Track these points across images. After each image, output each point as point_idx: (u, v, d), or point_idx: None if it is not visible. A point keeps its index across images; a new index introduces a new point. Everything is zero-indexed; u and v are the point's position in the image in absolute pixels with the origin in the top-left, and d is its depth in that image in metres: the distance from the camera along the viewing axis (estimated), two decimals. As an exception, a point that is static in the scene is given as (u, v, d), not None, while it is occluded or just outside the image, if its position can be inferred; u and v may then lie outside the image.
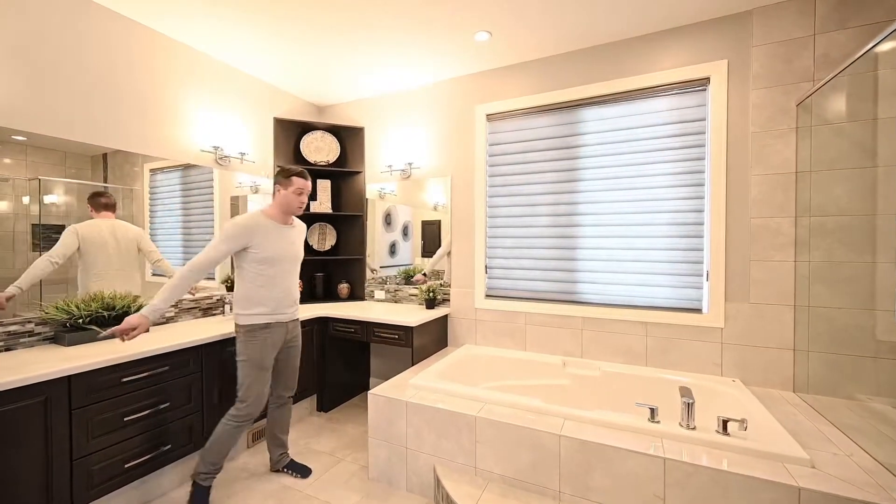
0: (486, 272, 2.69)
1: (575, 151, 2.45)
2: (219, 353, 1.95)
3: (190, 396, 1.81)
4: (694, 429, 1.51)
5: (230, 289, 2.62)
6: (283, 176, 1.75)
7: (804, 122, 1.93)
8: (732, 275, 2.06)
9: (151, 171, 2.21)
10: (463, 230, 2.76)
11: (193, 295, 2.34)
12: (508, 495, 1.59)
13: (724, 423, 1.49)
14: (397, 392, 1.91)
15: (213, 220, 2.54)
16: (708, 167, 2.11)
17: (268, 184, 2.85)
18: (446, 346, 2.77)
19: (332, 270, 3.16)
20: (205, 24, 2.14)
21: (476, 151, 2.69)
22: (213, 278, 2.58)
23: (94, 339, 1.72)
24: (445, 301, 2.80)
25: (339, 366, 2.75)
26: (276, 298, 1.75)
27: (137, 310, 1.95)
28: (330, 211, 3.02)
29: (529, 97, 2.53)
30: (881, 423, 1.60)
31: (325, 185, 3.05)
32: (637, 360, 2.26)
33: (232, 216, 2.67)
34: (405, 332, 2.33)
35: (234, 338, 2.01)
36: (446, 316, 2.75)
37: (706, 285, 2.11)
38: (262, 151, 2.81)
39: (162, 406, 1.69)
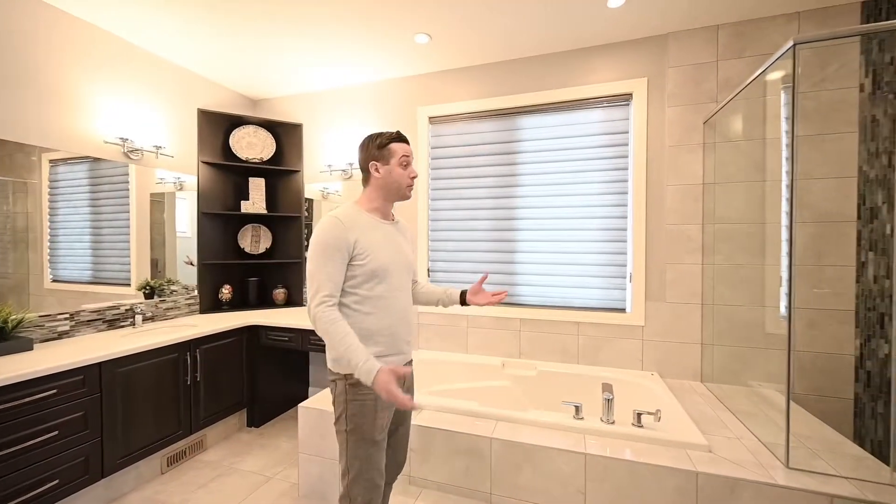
0: (429, 275, 2.68)
1: (514, 157, 2.52)
2: (125, 372, 1.74)
3: (86, 422, 1.60)
4: (613, 423, 1.62)
5: (149, 296, 2.36)
6: (376, 146, 1.20)
7: (710, 139, 2.15)
8: (651, 277, 2.24)
9: (52, 162, 1.95)
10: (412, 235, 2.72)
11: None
12: (442, 502, 1.59)
13: (639, 415, 1.61)
14: (330, 403, 1.83)
15: (128, 220, 2.28)
16: (631, 177, 2.27)
17: (192, 180, 2.61)
18: (388, 350, 2.71)
19: (266, 275, 2.97)
20: (115, 2, 1.90)
21: (419, 154, 2.67)
22: (129, 284, 2.31)
23: None
24: (388, 305, 2.74)
25: (272, 377, 2.60)
26: (392, 330, 1.18)
27: (17, 324, 1.69)
28: (264, 211, 2.84)
29: (471, 102, 2.56)
30: (767, 407, 1.82)
31: (258, 184, 2.86)
32: (571, 358, 2.38)
33: (152, 216, 2.41)
34: (343, 338, 2.24)
35: (148, 352, 1.84)
36: (388, 320, 2.70)
37: (629, 287, 2.28)
38: (183, 145, 2.56)
39: (47, 436, 1.47)
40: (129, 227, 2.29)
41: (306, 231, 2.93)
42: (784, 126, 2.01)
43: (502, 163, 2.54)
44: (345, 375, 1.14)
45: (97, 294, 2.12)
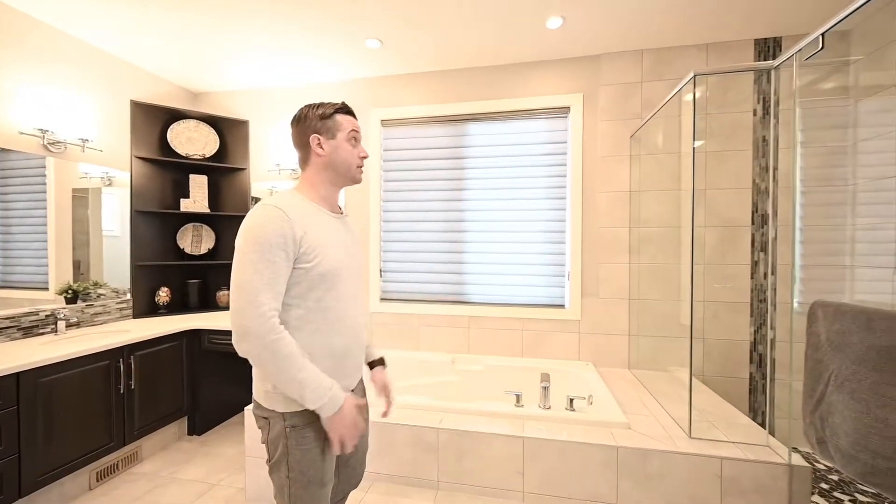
0: (381, 276, 2.72)
1: (463, 162, 2.63)
2: (47, 382, 1.61)
3: (0, 438, 1.47)
4: (549, 408, 1.77)
5: (71, 301, 2.17)
6: (318, 116, 0.99)
7: (635, 151, 2.40)
8: (587, 275, 2.46)
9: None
10: (359, 233, 2.74)
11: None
12: (392, 493, 1.65)
13: (571, 400, 1.78)
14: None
15: (44, 218, 2.08)
16: (569, 183, 2.47)
17: (124, 176, 2.43)
18: (341, 351, 2.72)
19: (209, 277, 2.84)
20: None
21: (372, 156, 2.70)
22: (47, 288, 2.11)
23: None
24: (340, 305, 2.74)
25: (215, 383, 2.49)
26: (344, 350, 0.98)
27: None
28: (207, 210, 2.72)
29: (422, 107, 2.63)
30: (680, 388, 2.09)
31: (200, 182, 2.72)
32: (516, 352, 2.54)
33: (75, 213, 2.21)
34: (293, 340, 2.22)
35: (74, 360, 1.70)
36: (341, 321, 2.70)
37: (567, 284, 2.48)
38: (114, 139, 2.39)
39: (-49, 455, 1.33)
40: (45, 225, 2.10)
41: (254, 231, 2.84)
42: (694, 142, 2.30)
43: (451, 167, 2.64)
44: (282, 414, 0.91)
45: (7, 299, 1.93)
